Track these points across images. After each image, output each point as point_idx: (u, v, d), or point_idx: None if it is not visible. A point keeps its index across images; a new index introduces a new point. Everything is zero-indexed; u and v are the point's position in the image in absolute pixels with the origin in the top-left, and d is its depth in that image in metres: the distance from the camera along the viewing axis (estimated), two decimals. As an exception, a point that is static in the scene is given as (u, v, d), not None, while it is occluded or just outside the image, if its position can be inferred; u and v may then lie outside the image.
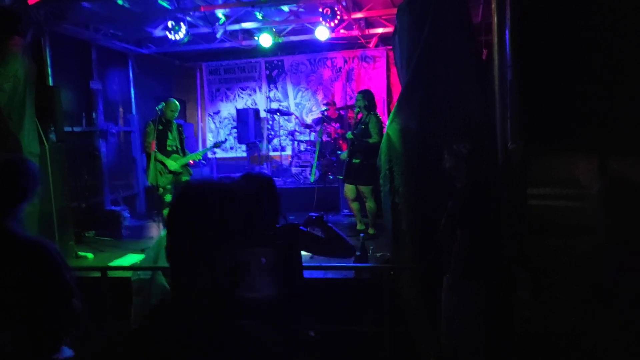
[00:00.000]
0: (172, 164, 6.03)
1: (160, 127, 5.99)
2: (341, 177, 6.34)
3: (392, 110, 3.82)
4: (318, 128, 8.02)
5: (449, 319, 3.08)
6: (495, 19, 3.09)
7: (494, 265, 2.96)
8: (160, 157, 5.95)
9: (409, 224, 3.65)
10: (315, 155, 7.16)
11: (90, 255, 5.64)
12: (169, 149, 6.08)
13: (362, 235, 4.98)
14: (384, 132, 3.82)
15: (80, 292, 1.59)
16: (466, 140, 3.00)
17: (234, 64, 10.07)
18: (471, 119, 3.36)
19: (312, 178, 8.02)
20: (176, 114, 6.20)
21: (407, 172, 3.64)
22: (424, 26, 3.48)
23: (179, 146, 6.19)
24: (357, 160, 5.94)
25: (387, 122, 3.86)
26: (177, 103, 6.20)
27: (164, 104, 6.05)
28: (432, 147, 3.32)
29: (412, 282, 3.68)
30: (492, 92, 3.14)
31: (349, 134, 6.09)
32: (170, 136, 6.11)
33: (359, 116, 6.07)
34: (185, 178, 6.20)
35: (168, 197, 6.10)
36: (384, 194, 3.91)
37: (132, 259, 5.43)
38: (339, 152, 7.57)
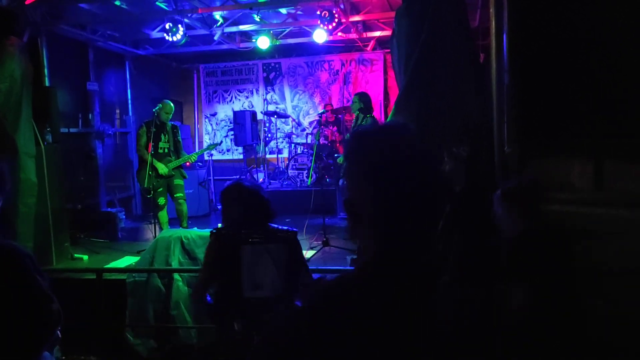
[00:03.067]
0: (162, 167, 5.96)
1: (154, 130, 5.97)
2: (338, 181, 6.33)
3: (390, 113, 3.81)
4: (315, 131, 8.02)
5: (445, 321, 3.07)
6: (493, 23, 3.10)
7: (492, 268, 2.95)
8: (151, 160, 5.91)
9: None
10: (312, 158, 7.15)
11: (85, 257, 5.61)
12: (160, 151, 6.06)
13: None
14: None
15: (54, 296, 1.49)
16: (465, 143, 3.00)
17: (232, 66, 10.06)
18: (470, 119, 3.35)
19: (309, 181, 8.00)
20: (170, 116, 6.19)
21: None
22: (422, 29, 3.48)
23: (171, 148, 6.16)
24: None
25: (385, 125, 3.85)
26: (172, 105, 6.19)
27: (160, 105, 6.05)
28: (430, 148, 3.31)
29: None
30: (490, 95, 3.14)
31: (347, 136, 6.08)
32: (163, 138, 6.09)
33: (351, 117, 6.07)
34: (177, 181, 6.15)
35: (161, 200, 6.06)
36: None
37: (128, 261, 5.40)
38: (336, 155, 7.56)
